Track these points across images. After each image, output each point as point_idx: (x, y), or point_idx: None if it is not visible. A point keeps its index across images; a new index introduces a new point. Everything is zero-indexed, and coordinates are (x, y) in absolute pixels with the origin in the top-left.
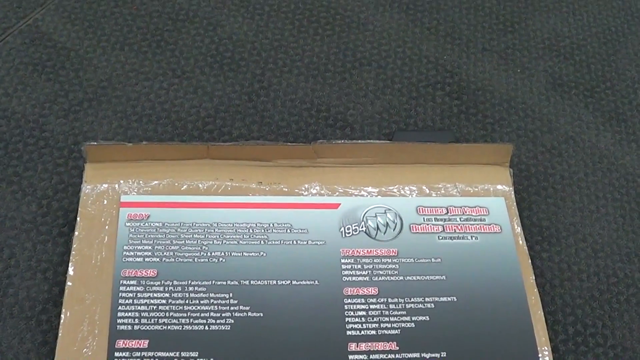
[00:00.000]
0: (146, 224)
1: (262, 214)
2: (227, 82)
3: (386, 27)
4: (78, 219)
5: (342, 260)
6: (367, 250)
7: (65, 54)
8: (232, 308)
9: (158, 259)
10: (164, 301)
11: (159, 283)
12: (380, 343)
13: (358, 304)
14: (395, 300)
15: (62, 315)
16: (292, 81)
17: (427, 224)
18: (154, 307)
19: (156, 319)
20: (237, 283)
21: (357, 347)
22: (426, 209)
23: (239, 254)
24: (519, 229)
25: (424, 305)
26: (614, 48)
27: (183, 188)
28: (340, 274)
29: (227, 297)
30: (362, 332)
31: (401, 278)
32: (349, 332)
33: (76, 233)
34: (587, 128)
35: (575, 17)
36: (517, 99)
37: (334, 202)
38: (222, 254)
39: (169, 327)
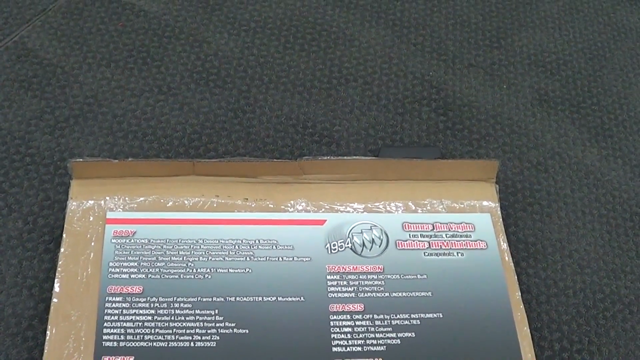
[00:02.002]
0: (132, 241)
1: (248, 230)
2: (213, 98)
3: (372, 43)
4: (64, 235)
5: (328, 277)
6: (353, 267)
7: (51, 70)
8: (217, 324)
9: (144, 276)
10: (149, 317)
11: (144, 299)
12: None
13: (344, 320)
14: (381, 316)
15: (48, 332)
16: (277, 97)
17: (413, 240)
18: (140, 324)
19: (142, 336)
20: (222, 299)
21: None
22: (412, 225)
23: (225, 271)
24: (505, 245)
25: (410, 322)
26: (600, 64)
27: (169, 205)
28: (326, 291)
29: (213, 313)
30: (348, 349)
31: (387, 294)
32: (334, 349)
33: (62, 249)
34: (573, 144)
35: (561, 32)
36: (503, 115)
37: (320, 219)
38: (208, 270)
39: (154, 343)
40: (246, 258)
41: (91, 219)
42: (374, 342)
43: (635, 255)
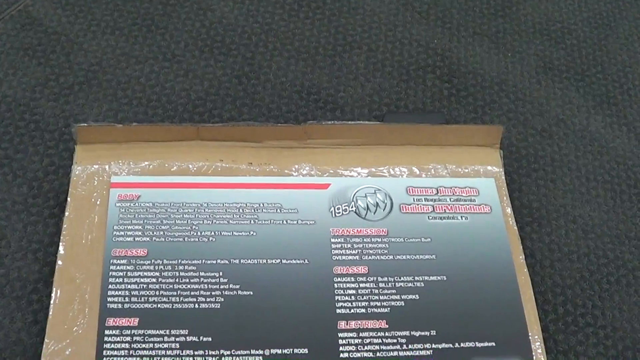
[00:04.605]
0: (136, 204)
1: (252, 194)
2: (218, 65)
3: (377, 11)
4: (68, 199)
5: (332, 240)
6: (357, 230)
7: (55, 38)
8: (222, 287)
9: (148, 239)
10: (154, 280)
11: (149, 262)
12: (370, 321)
13: (348, 282)
14: (385, 279)
15: (53, 295)
16: (282, 64)
17: (417, 204)
18: (144, 286)
19: (146, 298)
20: (227, 262)
21: (347, 325)
22: (416, 189)
23: (229, 234)
24: (509, 210)
25: (414, 284)
26: (604, 32)
27: (173, 169)
28: (330, 253)
29: (217, 275)
30: (352, 311)
31: (391, 257)
32: (338, 311)
33: (67, 213)
34: (577, 111)
35: (566, 1)
36: (508, 82)
37: (324, 183)
38: (212, 233)
39: (159, 305)
40: (250, 221)
41: (95, 183)
42: (378, 303)
43: None
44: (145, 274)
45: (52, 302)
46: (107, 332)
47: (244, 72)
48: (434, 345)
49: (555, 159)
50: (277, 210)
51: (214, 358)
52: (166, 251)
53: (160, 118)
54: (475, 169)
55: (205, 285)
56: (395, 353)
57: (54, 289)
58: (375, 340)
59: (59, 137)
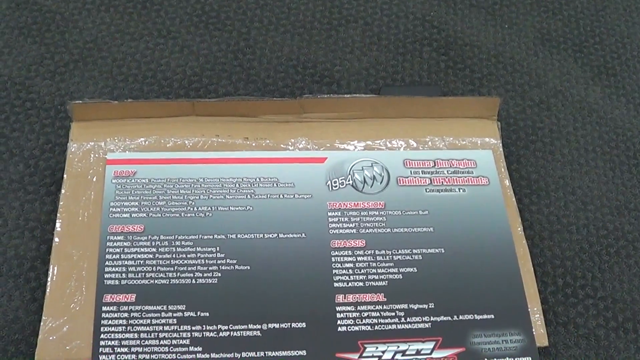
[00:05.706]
0: (132, 181)
1: (249, 168)
2: (213, 40)
3: None
4: (65, 176)
5: (329, 213)
6: (354, 203)
7: (50, 16)
8: (219, 262)
9: (145, 215)
10: (150, 256)
11: (145, 238)
12: (367, 294)
13: (345, 256)
14: (383, 252)
15: (50, 272)
16: (278, 39)
17: (414, 177)
18: (141, 262)
19: (143, 274)
20: (224, 237)
21: (345, 298)
22: (413, 162)
23: (226, 209)
24: (507, 181)
25: (412, 257)
26: (602, 3)
27: (169, 145)
28: (327, 227)
29: (214, 251)
30: (350, 284)
31: (388, 230)
32: (336, 284)
33: (63, 191)
34: (576, 82)
35: None
36: (505, 54)
37: (321, 156)
38: (209, 208)
39: (156, 281)
40: (247, 196)
41: (92, 160)
42: (376, 277)
43: (639, 192)
44: (142, 250)
45: (49, 279)
46: (104, 308)
47: (239, 47)
48: (432, 318)
49: (553, 130)
50: (273, 184)
51: (211, 333)
52: (163, 227)
53: (155, 94)
54: (473, 141)
55: (202, 261)
56: (394, 326)
57: (51, 266)
58: (373, 314)
59: (54, 115)
